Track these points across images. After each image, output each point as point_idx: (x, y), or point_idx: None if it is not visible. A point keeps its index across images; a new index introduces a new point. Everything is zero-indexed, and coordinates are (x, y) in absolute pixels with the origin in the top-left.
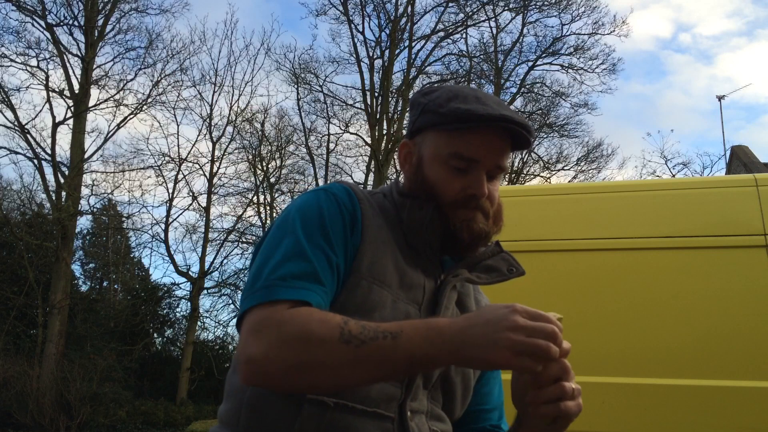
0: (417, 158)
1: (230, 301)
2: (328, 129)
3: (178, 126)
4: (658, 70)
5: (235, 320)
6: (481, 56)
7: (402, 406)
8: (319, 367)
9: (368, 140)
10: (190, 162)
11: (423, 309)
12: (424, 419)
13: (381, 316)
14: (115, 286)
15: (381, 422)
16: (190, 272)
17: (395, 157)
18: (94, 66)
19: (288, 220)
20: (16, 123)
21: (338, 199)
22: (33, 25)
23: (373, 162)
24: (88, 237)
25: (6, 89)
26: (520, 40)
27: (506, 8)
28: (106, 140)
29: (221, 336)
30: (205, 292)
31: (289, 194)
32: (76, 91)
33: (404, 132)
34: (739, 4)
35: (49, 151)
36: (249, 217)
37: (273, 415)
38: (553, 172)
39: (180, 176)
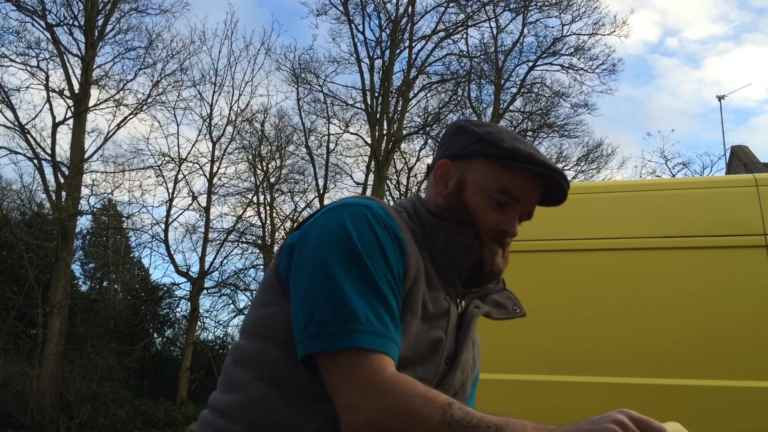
0: (458, 181)
1: (230, 301)
2: (328, 129)
3: (178, 126)
4: (647, 74)
5: (234, 318)
6: (482, 56)
7: None
8: None
9: (368, 140)
10: (190, 162)
11: (449, 334)
12: None
13: (407, 345)
14: (115, 286)
15: None
16: (190, 272)
17: (395, 157)
18: (94, 66)
19: (349, 244)
20: (16, 123)
21: (387, 226)
22: (33, 25)
23: (373, 162)
24: (88, 237)
25: (6, 89)
26: (521, 41)
27: (506, 8)
28: (106, 140)
29: (221, 336)
30: (205, 292)
31: (289, 194)
32: (76, 91)
33: (405, 132)
34: (725, 9)
35: (49, 151)
36: (249, 217)
37: (285, 415)
38: None
39: (180, 176)
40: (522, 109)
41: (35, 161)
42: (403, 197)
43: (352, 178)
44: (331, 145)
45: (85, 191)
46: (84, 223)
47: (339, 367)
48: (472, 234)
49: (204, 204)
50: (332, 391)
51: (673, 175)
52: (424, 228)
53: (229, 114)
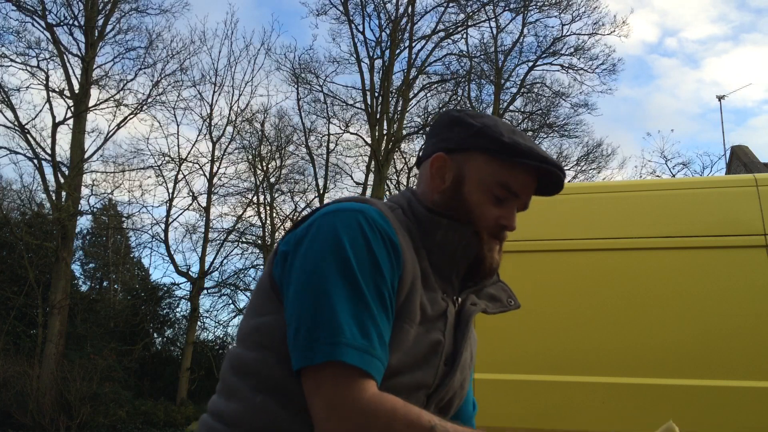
0: (456, 176)
1: (230, 301)
2: (328, 129)
3: (178, 126)
4: (646, 74)
5: (234, 318)
6: (482, 56)
7: None
8: None
9: (368, 140)
10: (190, 162)
11: (447, 335)
12: None
13: (404, 352)
14: (115, 286)
15: None
16: (190, 272)
17: (395, 157)
18: (94, 66)
19: (340, 255)
20: (16, 123)
21: (382, 232)
22: (33, 25)
23: (373, 162)
24: (88, 237)
25: (6, 89)
26: (521, 40)
27: (506, 8)
28: (106, 140)
29: (221, 336)
30: (205, 292)
31: (289, 194)
32: (76, 91)
33: (405, 132)
34: (724, 9)
35: (49, 151)
36: (249, 217)
37: (286, 421)
38: None
39: (180, 176)
40: (522, 109)
41: (35, 161)
42: None
43: (352, 178)
44: (331, 145)
45: (85, 191)
46: (84, 223)
47: (320, 383)
48: (471, 232)
49: (204, 204)
50: (312, 406)
51: (673, 175)
52: (420, 225)
53: (229, 114)
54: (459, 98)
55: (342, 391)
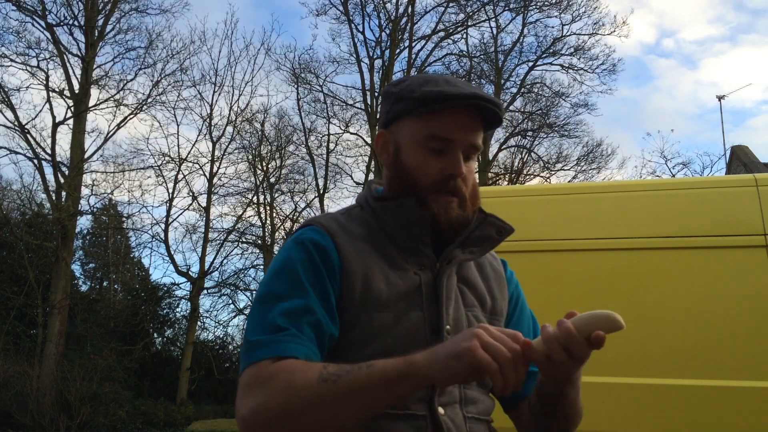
0: (394, 146)
1: (230, 301)
2: (328, 129)
3: (178, 126)
4: (645, 75)
5: (234, 318)
6: (482, 56)
7: (431, 402)
8: (304, 410)
9: (368, 140)
10: (190, 162)
11: (425, 308)
12: (457, 409)
13: (386, 336)
14: (115, 286)
15: (414, 422)
16: (190, 272)
17: None
18: (94, 66)
19: (267, 286)
20: (16, 123)
21: (309, 246)
22: (33, 25)
23: (373, 162)
24: (88, 237)
25: (6, 89)
26: (521, 40)
27: (506, 8)
28: (106, 140)
29: (221, 336)
30: (205, 292)
31: (289, 194)
32: (76, 91)
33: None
34: (721, 11)
35: (49, 151)
36: (249, 217)
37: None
38: (553, 172)
39: (180, 176)
40: (522, 109)
41: (35, 161)
42: None
43: (352, 178)
44: (331, 145)
45: (85, 191)
46: (84, 223)
47: (238, 386)
48: (413, 203)
49: (204, 204)
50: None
51: (673, 175)
52: (377, 215)
53: (229, 114)
54: None
55: (246, 378)
